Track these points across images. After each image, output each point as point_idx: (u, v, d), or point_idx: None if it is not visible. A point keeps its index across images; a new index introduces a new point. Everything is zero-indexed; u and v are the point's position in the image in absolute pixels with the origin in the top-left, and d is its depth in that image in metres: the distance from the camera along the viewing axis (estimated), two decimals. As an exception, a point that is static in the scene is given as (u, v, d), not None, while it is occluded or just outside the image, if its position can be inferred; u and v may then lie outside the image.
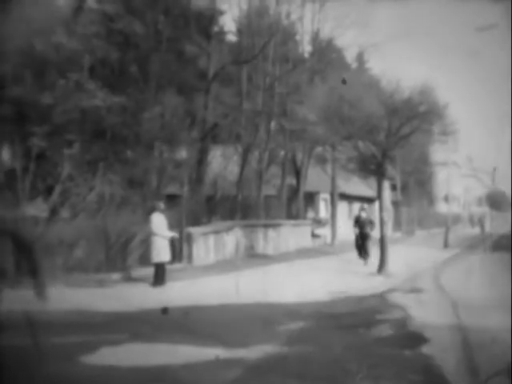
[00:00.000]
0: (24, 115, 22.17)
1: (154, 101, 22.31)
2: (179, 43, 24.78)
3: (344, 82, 18.78)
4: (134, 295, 13.94)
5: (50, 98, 21.52)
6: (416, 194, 51.91)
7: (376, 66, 49.67)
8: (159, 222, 15.84)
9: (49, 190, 17.95)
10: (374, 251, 21.32)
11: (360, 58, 44.01)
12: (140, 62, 23.39)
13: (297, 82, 30.45)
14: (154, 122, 21.88)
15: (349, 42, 52.67)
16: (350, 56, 41.67)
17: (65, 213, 18.10)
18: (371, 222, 23.30)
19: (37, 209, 17.48)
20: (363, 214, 23.70)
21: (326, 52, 33.37)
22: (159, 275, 15.58)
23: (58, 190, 17.56)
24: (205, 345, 8.93)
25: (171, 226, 16.53)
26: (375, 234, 21.74)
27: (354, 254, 23.00)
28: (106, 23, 22.81)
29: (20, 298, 12.16)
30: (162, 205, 16.11)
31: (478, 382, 6.54)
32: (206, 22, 26.22)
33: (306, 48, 35.13)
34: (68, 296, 13.38)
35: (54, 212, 17.51)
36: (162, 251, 15.74)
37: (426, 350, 8.89)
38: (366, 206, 25.77)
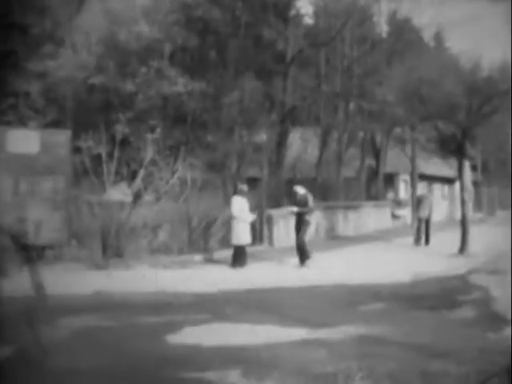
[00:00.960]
0: (108, 103, 22.85)
1: (233, 85, 22.58)
2: (257, 28, 24.95)
3: None
4: (216, 276, 14.20)
5: (132, 85, 22.13)
6: (497, 174, 50.81)
7: (455, 44, 48.80)
8: (240, 205, 16.07)
9: (133, 175, 18.39)
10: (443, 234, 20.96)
11: (438, 37, 43.28)
12: (219, 48, 23.69)
13: (375, 63, 30.25)
14: (233, 106, 22.18)
15: (427, 22, 51.82)
16: (427, 35, 41.08)
17: (148, 196, 18.53)
18: (430, 206, 22.78)
19: (121, 193, 17.98)
20: (426, 194, 23.62)
21: (403, 32, 32.97)
22: (240, 257, 15.83)
23: (141, 174, 17.98)
24: (286, 325, 9.06)
25: (252, 209, 16.78)
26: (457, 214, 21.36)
27: (433, 234, 22.81)
28: (185, 11, 23.18)
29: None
30: (245, 188, 16.35)
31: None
32: (283, 5, 26.28)
33: (384, 28, 34.86)
34: (153, 277, 13.79)
35: (137, 196, 17.94)
36: (241, 234, 15.97)
37: (509, 331, 8.69)
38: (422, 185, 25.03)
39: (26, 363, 7.22)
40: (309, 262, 16.17)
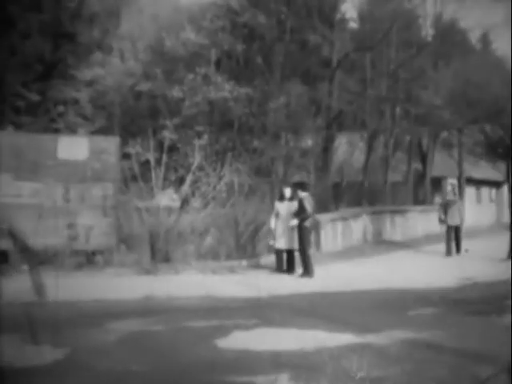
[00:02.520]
0: (156, 109, 23.13)
1: (279, 91, 22.67)
2: (302, 33, 25.01)
3: None
4: (264, 281, 14.22)
5: (179, 91, 22.37)
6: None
7: (501, 46, 48.12)
8: (283, 209, 16.06)
9: (180, 181, 18.56)
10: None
11: (484, 39, 42.72)
12: (264, 54, 23.79)
13: (421, 67, 30.03)
14: (279, 111, 22.26)
15: (473, 24, 51.15)
16: (474, 38, 40.49)
17: (196, 202, 18.68)
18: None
19: (169, 199, 18.18)
20: (453, 197, 21.78)
21: (449, 34, 32.65)
22: (280, 261, 15.88)
23: (188, 180, 18.15)
24: (334, 330, 9.03)
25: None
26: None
27: (482, 238, 22.40)
28: (230, 17, 23.36)
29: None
30: (288, 192, 16.21)
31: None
32: (328, 10, 26.29)
33: (429, 31, 34.56)
34: (201, 282, 13.91)
35: (185, 201, 18.11)
36: (279, 238, 15.88)
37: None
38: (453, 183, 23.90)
39: (77, 366, 7.37)
40: (309, 277, 15.07)
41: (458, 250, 20.79)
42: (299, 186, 15.57)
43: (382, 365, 7.16)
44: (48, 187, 15.36)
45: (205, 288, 12.93)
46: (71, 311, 10.68)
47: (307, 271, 15.17)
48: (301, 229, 15.34)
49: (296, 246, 15.69)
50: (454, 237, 20.76)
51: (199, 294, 12.42)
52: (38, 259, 14.66)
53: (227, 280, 14.32)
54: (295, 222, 15.36)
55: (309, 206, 15.35)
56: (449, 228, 20.75)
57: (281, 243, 15.88)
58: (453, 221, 20.75)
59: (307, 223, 15.39)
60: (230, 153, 20.17)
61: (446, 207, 21.18)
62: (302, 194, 15.51)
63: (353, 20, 32.72)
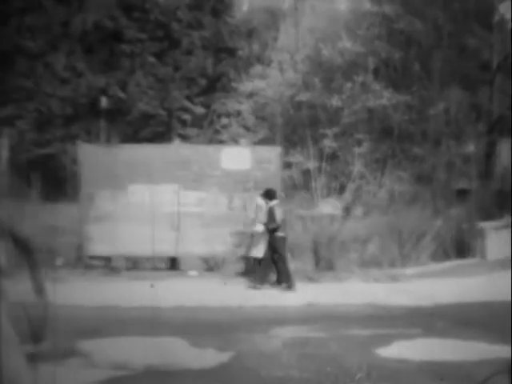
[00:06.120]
0: (315, 118, 23.45)
1: (439, 97, 22.36)
2: (460, 37, 24.50)
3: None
4: (427, 290, 14.03)
5: (338, 100, 22.54)
6: None
7: None
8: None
9: (341, 189, 18.68)
10: None
11: None
12: (422, 60, 23.53)
13: None
14: (439, 117, 21.95)
15: None
16: None
17: (357, 210, 18.76)
18: None
19: (331, 207, 18.33)
20: None
21: None
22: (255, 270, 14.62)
23: (350, 188, 18.28)
24: (495, 342, 8.75)
25: (462, 221, 16.34)
26: None
27: None
28: (386, 24, 23.29)
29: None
30: (259, 200, 14.71)
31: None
32: (486, 12, 25.60)
33: None
34: (363, 290, 14.00)
35: (347, 209, 18.21)
36: (254, 246, 14.82)
37: None
38: None
39: (241, 370, 7.74)
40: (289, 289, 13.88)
41: None
42: (267, 194, 14.45)
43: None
44: (212, 196, 16.02)
45: (367, 296, 12.97)
46: (235, 316, 11.17)
47: (289, 285, 13.93)
48: (274, 239, 14.08)
49: (260, 254, 14.48)
50: None
51: (361, 301, 12.49)
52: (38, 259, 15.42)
53: (390, 288, 14.20)
54: (260, 227, 14.32)
55: (278, 215, 14.15)
56: None
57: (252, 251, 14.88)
58: None
59: (280, 233, 14.10)
60: (390, 160, 20.14)
61: None
62: (272, 203, 14.32)
63: (512, 20, 31.57)
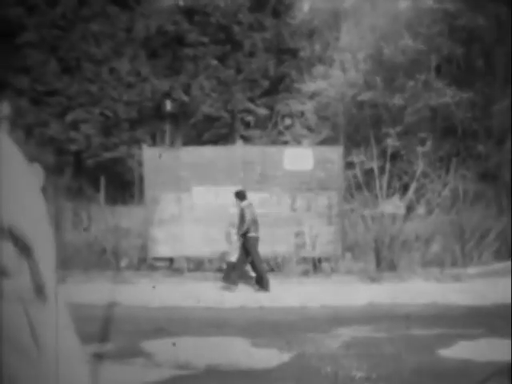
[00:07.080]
0: (378, 118, 23.39)
1: (502, 93, 22.01)
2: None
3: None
4: (487, 289, 13.93)
5: (400, 99, 22.43)
6: None
7: None
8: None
9: (404, 188, 18.58)
10: None
11: None
12: (485, 56, 23.20)
13: None
14: (503, 114, 21.60)
15: None
16: None
17: (420, 209, 18.64)
18: None
19: (394, 206, 18.27)
20: None
21: None
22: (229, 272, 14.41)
23: (413, 187, 18.16)
24: None
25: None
26: None
27: None
28: (448, 21, 23.03)
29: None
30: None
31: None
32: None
33: None
34: (425, 289, 13.93)
35: (410, 209, 18.11)
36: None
37: None
38: None
39: (302, 370, 7.86)
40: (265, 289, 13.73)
41: None
42: (238, 195, 14.20)
43: None
44: (275, 197, 16.17)
45: (429, 296, 12.95)
46: (299, 316, 11.29)
47: (262, 285, 13.78)
48: (247, 240, 13.85)
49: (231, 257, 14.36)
50: None
51: (423, 301, 12.50)
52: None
53: (452, 288, 14.13)
54: (232, 231, 14.27)
55: (249, 215, 13.93)
56: None
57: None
58: None
59: (252, 233, 13.86)
60: (454, 159, 19.91)
61: None
62: (242, 204, 14.16)
63: None
